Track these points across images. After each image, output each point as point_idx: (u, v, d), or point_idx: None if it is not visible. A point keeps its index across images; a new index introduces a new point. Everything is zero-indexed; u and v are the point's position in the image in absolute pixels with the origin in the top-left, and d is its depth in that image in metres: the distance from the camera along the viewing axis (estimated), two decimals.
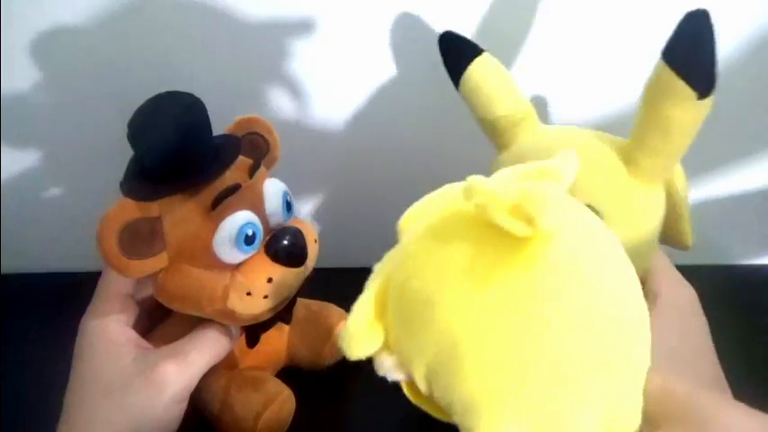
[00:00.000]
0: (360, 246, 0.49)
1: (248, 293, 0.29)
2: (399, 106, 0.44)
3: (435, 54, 0.36)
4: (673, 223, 0.33)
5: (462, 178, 0.22)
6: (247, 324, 0.32)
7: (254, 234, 0.29)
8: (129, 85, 0.41)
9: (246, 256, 0.30)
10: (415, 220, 0.25)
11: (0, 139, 0.42)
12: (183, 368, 0.29)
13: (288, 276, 0.31)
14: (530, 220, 0.18)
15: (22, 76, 0.40)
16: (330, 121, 0.44)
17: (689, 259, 0.36)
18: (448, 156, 0.42)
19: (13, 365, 0.41)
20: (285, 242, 0.30)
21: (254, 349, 0.36)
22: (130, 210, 0.27)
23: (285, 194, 0.32)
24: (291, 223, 0.32)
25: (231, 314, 0.30)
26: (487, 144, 0.37)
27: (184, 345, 0.30)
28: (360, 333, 0.23)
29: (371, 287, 0.24)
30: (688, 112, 0.28)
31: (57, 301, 0.45)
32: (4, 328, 0.44)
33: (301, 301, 0.36)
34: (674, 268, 0.34)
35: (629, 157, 0.30)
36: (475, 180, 0.20)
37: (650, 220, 0.31)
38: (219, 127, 0.33)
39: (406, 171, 0.46)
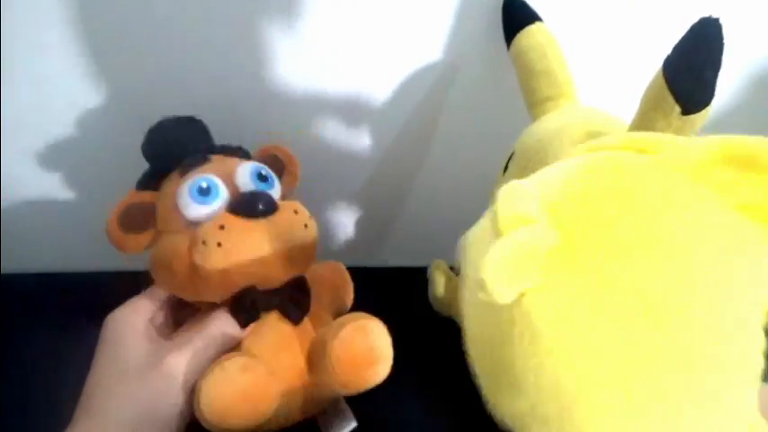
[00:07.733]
0: (378, 246, 0.49)
1: (203, 242, 0.30)
2: (416, 114, 0.44)
3: (454, 61, 0.35)
4: None
5: (483, 185, 0.21)
6: (226, 294, 0.31)
7: (208, 187, 0.31)
8: (130, 87, 0.41)
9: (209, 211, 0.31)
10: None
11: (0, 140, 0.42)
12: (190, 358, 0.30)
13: (246, 228, 0.30)
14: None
15: (22, 77, 0.40)
16: (345, 127, 0.44)
17: None
18: (465, 161, 0.42)
19: (13, 365, 0.41)
20: (243, 196, 0.32)
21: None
22: (131, 196, 0.34)
23: (258, 168, 0.33)
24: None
25: (198, 271, 0.30)
26: (502, 146, 0.36)
27: (191, 335, 0.31)
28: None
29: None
30: (670, 126, 0.26)
31: (57, 301, 0.45)
32: (4, 328, 0.44)
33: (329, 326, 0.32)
34: None
35: None
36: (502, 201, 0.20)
37: None
38: (236, 138, 0.36)
39: (422, 173, 0.46)
